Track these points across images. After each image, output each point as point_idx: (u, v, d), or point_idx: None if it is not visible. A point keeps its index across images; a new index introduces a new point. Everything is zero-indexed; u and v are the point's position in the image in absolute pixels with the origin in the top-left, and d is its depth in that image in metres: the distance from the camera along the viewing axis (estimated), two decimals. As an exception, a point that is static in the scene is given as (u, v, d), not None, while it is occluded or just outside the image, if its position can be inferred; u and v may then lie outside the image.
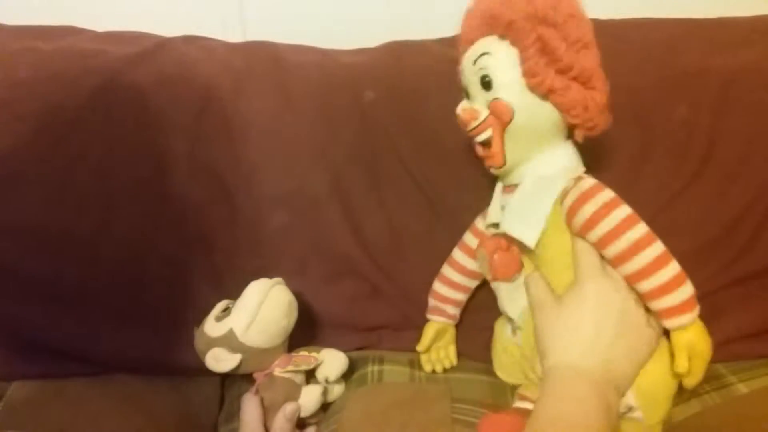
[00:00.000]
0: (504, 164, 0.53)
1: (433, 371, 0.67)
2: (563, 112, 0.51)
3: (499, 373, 0.63)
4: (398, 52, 0.75)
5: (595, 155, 0.68)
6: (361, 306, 0.69)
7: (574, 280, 0.51)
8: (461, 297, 0.67)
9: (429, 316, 0.67)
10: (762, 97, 0.68)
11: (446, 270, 0.67)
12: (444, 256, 0.68)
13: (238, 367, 0.60)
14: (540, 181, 0.53)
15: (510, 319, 0.60)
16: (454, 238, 0.68)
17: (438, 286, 0.67)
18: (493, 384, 0.64)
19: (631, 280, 0.49)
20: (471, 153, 0.68)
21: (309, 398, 0.61)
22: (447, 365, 0.67)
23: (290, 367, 0.62)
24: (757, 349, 0.66)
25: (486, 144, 0.54)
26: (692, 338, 0.48)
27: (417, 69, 0.72)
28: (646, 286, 0.48)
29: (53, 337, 0.66)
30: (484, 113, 0.52)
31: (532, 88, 0.50)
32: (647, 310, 0.50)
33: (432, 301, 0.67)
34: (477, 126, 0.53)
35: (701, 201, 0.67)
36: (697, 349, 0.48)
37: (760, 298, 0.67)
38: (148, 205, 0.68)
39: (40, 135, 0.67)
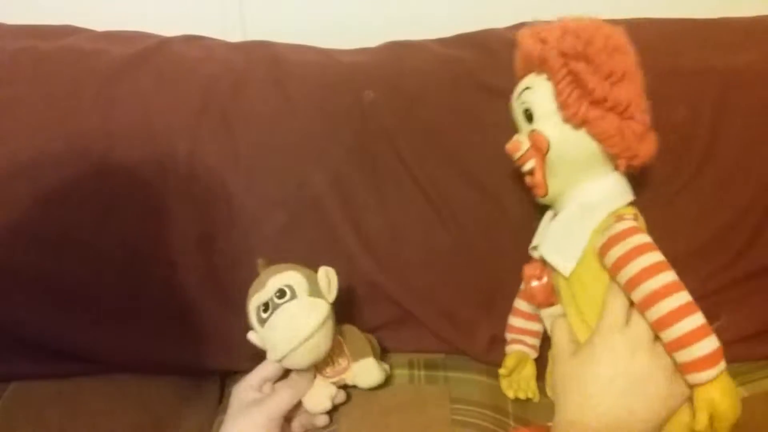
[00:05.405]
0: (546, 193, 0.56)
1: (516, 398, 0.64)
2: (600, 141, 0.52)
3: (549, 394, 0.61)
4: (398, 52, 0.75)
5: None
6: (361, 306, 0.69)
7: (592, 333, 0.50)
8: (537, 327, 0.65)
9: (509, 347, 0.66)
10: (762, 98, 0.68)
11: (517, 302, 0.66)
12: (444, 256, 0.69)
13: None
14: (581, 209, 0.54)
15: None
16: (455, 238, 0.68)
17: (512, 320, 0.66)
18: (492, 385, 0.64)
19: (653, 329, 0.48)
20: (471, 153, 0.69)
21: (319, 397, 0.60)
22: (530, 395, 0.64)
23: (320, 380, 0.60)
24: (757, 351, 0.66)
25: (530, 174, 0.56)
26: (714, 397, 0.45)
27: (417, 69, 0.72)
28: (665, 336, 0.47)
29: (52, 337, 0.67)
30: (526, 144, 0.55)
31: (567, 120, 0.52)
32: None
33: (509, 335, 0.66)
34: (520, 156, 0.56)
35: (700, 201, 0.67)
36: (719, 410, 0.45)
37: (760, 298, 0.67)
38: (148, 205, 0.68)
39: (39, 134, 0.67)
